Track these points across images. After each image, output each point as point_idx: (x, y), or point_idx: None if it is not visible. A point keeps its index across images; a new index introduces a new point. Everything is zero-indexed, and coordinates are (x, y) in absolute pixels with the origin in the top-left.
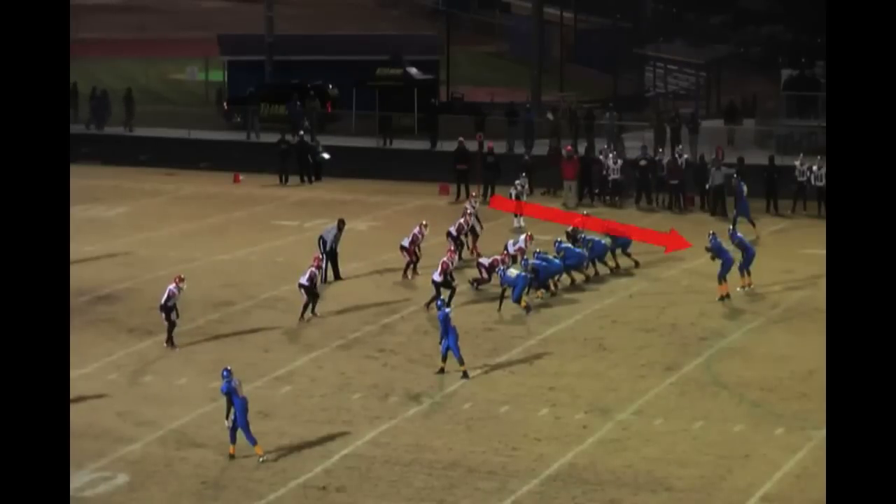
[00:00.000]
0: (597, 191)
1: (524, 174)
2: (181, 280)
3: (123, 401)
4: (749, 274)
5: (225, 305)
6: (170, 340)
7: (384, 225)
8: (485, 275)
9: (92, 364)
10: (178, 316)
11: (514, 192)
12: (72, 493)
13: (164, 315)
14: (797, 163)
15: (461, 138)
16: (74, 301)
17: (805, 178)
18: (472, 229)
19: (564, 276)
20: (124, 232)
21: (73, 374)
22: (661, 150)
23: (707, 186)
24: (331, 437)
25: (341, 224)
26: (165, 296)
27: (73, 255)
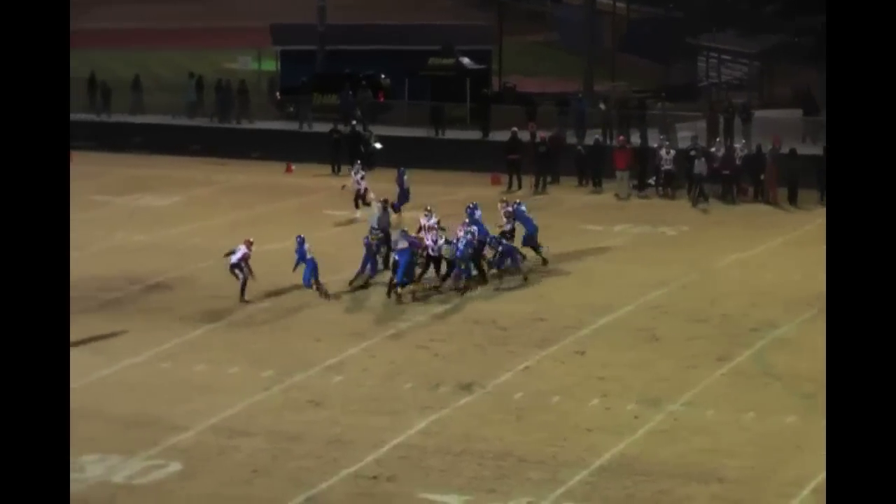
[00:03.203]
0: (650, 181)
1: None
2: (251, 243)
3: (175, 389)
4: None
5: (276, 294)
6: (242, 295)
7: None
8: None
9: (144, 352)
10: (250, 271)
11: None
12: (123, 480)
13: (233, 272)
14: None
15: (514, 128)
16: (127, 289)
17: None
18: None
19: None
20: (176, 221)
21: (125, 362)
22: (717, 139)
23: (761, 177)
24: (382, 427)
25: (384, 204)
26: (238, 256)
27: (125, 244)
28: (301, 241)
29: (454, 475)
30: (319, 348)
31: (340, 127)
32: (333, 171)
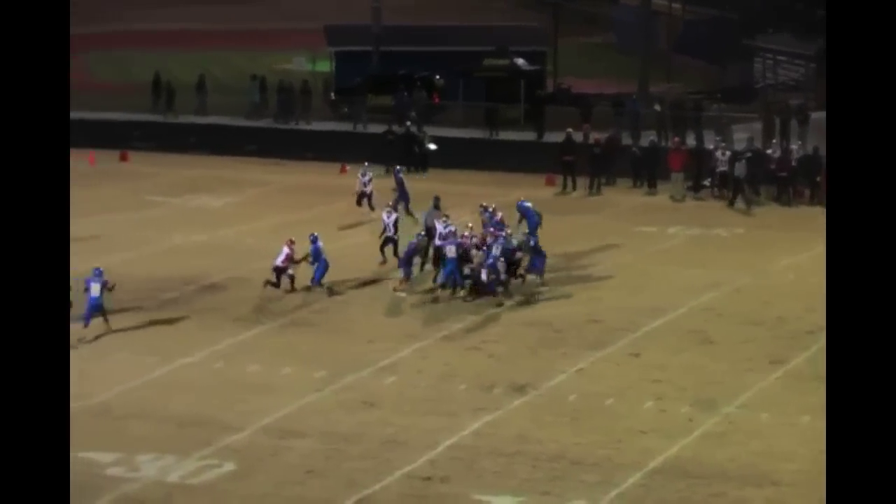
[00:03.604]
0: (705, 183)
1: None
2: (293, 242)
3: (229, 390)
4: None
5: (329, 295)
6: (268, 282)
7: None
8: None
9: (198, 353)
10: (295, 263)
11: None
12: (178, 480)
13: (275, 274)
14: None
15: (569, 129)
16: (181, 290)
17: None
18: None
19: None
20: (230, 222)
21: (180, 362)
22: (773, 141)
23: (817, 179)
24: (435, 428)
25: (437, 201)
26: (282, 258)
27: (180, 245)
28: (314, 240)
29: (508, 477)
30: (372, 349)
31: (395, 128)
32: (387, 171)
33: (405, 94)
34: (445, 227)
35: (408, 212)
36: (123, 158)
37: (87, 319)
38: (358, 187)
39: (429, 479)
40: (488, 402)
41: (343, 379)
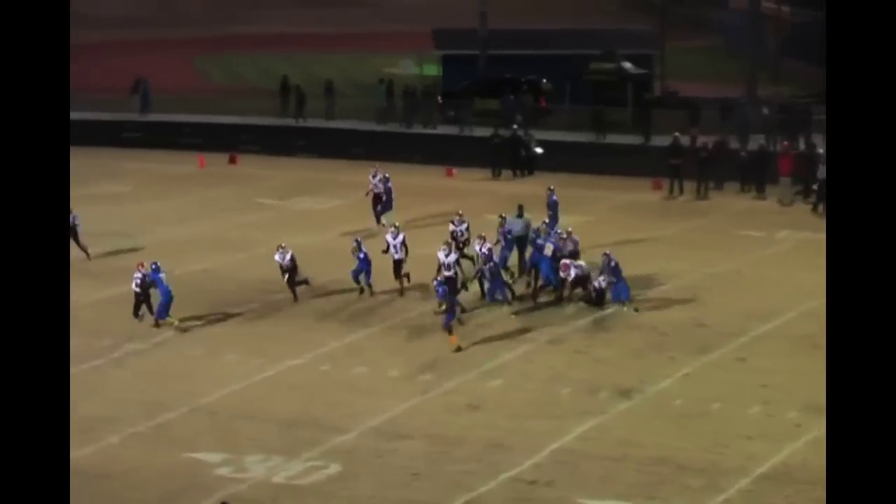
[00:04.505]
0: (814, 187)
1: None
2: (283, 247)
3: (335, 391)
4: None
5: (433, 298)
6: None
7: (595, 220)
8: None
9: (305, 355)
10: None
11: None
12: (285, 481)
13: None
14: None
15: (676, 133)
16: (288, 292)
17: None
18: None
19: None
20: (337, 224)
21: (287, 364)
22: None
23: None
24: (540, 432)
25: (520, 210)
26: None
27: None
28: (358, 244)
29: (613, 481)
30: (478, 352)
31: (501, 131)
32: (493, 175)
33: (512, 97)
34: (540, 237)
35: (378, 221)
36: (232, 161)
37: (162, 315)
38: (372, 188)
39: (533, 482)
40: (593, 405)
41: (448, 382)
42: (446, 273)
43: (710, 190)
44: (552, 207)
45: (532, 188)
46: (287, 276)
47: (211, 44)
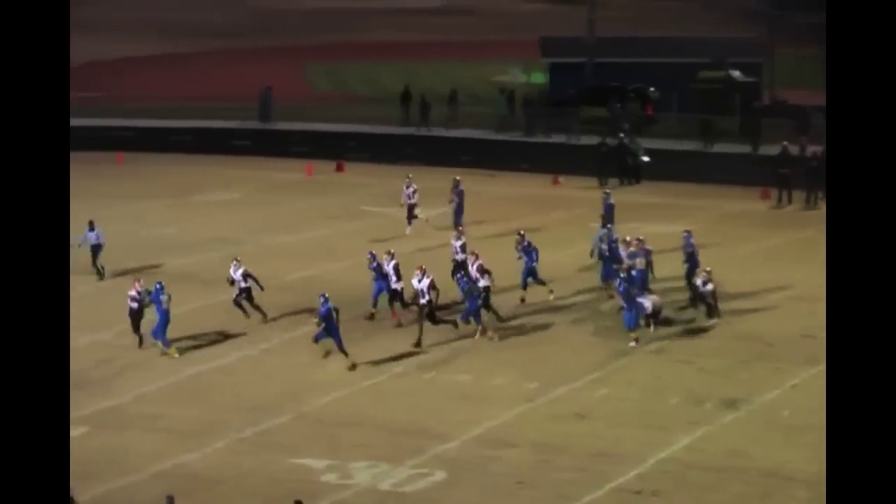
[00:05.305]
0: None
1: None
2: (238, 260)
3: (440, 399)
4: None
5: (536, 306)
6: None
7: (701, 229)
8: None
9: (408, 362)
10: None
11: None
12: (390, 488)
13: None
14: None
15: (785, 142)
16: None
17: None
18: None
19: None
20: (442, 232)
21: (391, 371)
22: None
23: None
24: (646, 442)
25: (604, 220)
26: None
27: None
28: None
29: (719, 492)
30: (583, 361)
31: (608, 139)
32: (600, 183)
33: (619, 105)
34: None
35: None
36: (339, 169)
37: (164, 338)
38: (403, 199)
39: (639, 492)
40: (700, 416)
41: (555, 390)
42: (421, 300)
43: (820, 200)
44: (608, 210)
45: (638, 196)
46: (242, 293)
47: (319, 52)
